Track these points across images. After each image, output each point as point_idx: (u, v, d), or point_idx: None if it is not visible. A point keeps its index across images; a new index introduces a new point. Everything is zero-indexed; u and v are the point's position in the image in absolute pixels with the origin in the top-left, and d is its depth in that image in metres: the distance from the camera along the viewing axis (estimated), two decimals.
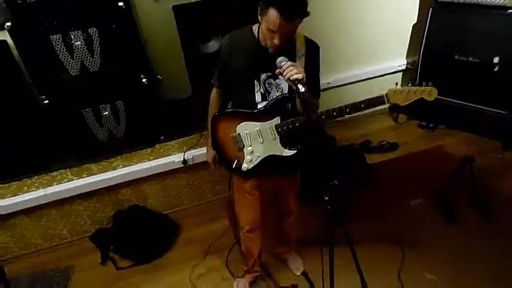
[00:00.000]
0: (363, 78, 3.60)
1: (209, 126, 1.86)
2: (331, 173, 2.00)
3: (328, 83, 3.44)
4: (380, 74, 3.65)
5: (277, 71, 1.52)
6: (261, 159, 1.78)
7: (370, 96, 1.59)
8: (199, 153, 2.69)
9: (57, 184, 2.55)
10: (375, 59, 3.59)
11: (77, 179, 2.58)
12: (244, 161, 1.79)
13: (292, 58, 1.59)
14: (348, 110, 1.62)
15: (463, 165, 2.55)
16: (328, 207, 1.61)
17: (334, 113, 1.63)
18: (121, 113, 2.46)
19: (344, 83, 3.54)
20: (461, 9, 2.94)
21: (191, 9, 2.68)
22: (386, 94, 1.58)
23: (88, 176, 2.60)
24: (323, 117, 1.63)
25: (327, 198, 1.58)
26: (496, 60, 2.89)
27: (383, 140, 3.41)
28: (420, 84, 1.60)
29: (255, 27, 1.67)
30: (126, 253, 2.64)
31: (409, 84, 1.56)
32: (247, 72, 1.69)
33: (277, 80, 1.70)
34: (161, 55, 2.85)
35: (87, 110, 2.40)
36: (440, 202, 2.66)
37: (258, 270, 2.31)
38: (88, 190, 2.61)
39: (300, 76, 1.44)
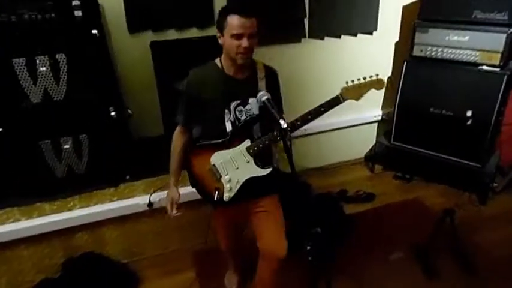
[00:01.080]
0: (340, 126, 3.59)
1: (172, 166, 1.91)
2: (310, 220, 1.90)
3: (305, 130, 3.38)
4: (357, 123, 3.66)
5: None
6: (240, 185, 1.78)
7: (327, 99, 1.68)
8: None
9: (1, 225, 2.23)
10: (351, 108, 3.59)
11: (26, 219, 2.27)
12: (225, 190, 1.79)
13: (254, 82, 1.74)
14: (310, 116, 1.68)
15: (444, 218, 2.47)
16: (310, 258, 1.47)
17: (298, 123, 1.67)
18: (84, 147, 2.25)
19: (322, 130, 3.50)
20: (435, 64, 3.03)
21: (169, 46, 2.64)
22: (340, 94, 1.66)
23: (39, 216, 2.30)
24: (289, 129, 1.57)
25: (309, 247, 1.44)
26: (469, 113, 2.94)
27: (359, 190, 3.33)
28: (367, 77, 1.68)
29: (217, 61, 1.76)
30: None
31: (359, 80, 1.65)
32: (218, 103, 1.74)
33: (247, 106, 1.77)
34: (134, 90, 2.73)
35: (46, 142, 2.17)
36: (421, 257, 2.53)
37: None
38: (37, 233, 2.30)
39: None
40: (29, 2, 1.90)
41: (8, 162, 2.16)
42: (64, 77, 2.07)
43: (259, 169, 1.76)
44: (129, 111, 2.46)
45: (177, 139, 1.87)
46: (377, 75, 1.69)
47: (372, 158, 3.73)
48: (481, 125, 2.92)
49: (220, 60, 1.75)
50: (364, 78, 1.67)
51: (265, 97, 1.59)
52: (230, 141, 1.77)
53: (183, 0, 2.66)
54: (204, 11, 2.75)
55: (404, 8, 3.36)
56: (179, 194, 1.91)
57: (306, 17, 3.04)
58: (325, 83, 3.37)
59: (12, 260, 2.35)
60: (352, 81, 1.66)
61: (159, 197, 2.47)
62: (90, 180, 2.34)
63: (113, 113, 2.23)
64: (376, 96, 3.66)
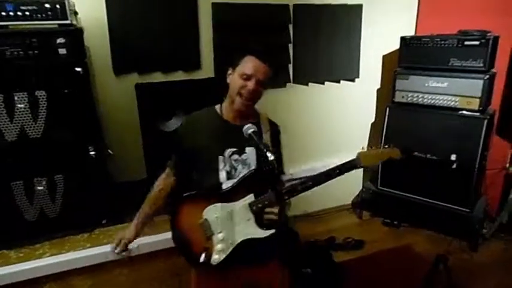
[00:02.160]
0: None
1: (143, 205, 1.77)
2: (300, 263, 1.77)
3: (291, 174, 3.34)
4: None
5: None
6: (234, 246, 1.53)
7: (343, 162, 1.56)
8: (147, 241, 2.32)
9: None
10: (337, 153, 3.59)
11: None
12: (215, 251, 1.53)
13: (258, 132, 1.56)
14: (323, 177, 1.56)
15: (438, 264, 2.37)
16: None
17: (310, 183, 1.54)
18: (59, 188, 2.13)
19: (306, 175, 3.44)
20: (416, 109, 3.10)
21: (154, 89, 2.62)
22: (358, 157, 1.57)
23: (3, 265, 2.09)
24: (299, 188, 1.52)
25: None
26: (453, 157, 2.96)
27: (348, 237, 3.21)
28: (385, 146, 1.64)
29: (217, 107, 1.67)
30: None
31: (373, 147, 1.61)
32: (212, 148, 1.59)
33: (243, 155, 1.61)
34: (117, 132, 2.67)
35: (18, 182, 2.05)
36: None
37: None
38: (0, 284, 2.08)
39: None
40: (13, 39, 1.88)
41: None
42: (43, 115, 2.00)
43: (259, 230, 1.53)
44: (109, 151, 2.37)
45: (160, 179, 1.74)
46: (393, 145, 1.62)
47: (359, 204, 3.66)
48: (465, 169, 2.93)
49: (221, 106, 1.66)
50: (382, 147, 1.61)
51: (252, 130, 1.49)
52: (230, 194, 1.55)
53: (169, 44, 2.71)
54: (191, 55, 2.80)
55: (384, 56, 3.50)
56: (134, 238, 1.73)
57: (290, 63, 3.12)
58: (310, 127, 3.40)
59: None
60: (370, 147, 1.60)
61: (137, 243, 2.29)
62: (63, 224, 2.18)
63: (92, 153, 2.14)
64: (360, 141, 3.71)
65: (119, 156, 2.60)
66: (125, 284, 2.40)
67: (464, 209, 3.00)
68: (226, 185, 1.58)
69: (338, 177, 3.70)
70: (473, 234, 3.02)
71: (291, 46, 3.10)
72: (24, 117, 1.97)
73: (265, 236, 1.52)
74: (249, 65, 1.51)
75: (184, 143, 1.64)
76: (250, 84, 1.50)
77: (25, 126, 1.99)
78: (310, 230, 3.31)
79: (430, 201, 3.15)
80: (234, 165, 1.60)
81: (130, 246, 1.78)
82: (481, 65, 2.78)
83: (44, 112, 2.00)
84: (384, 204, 3.43)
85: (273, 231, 1.53)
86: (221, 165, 1.59)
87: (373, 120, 3.64)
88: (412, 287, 2.48)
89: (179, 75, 2.81)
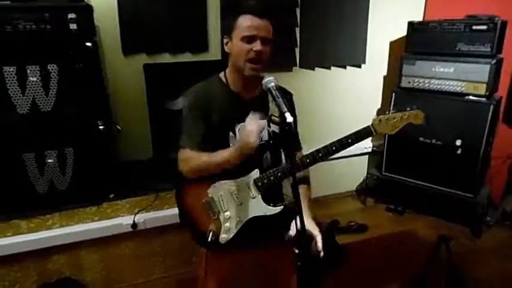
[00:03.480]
0: (332, 157, 3.57)
1: (218, 157, 1.42)
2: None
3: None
4: (348, 154, 3.63)
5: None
6: (242, 224, 1.50)
7: (356, 130, 1.42)
8: (152, 216, 2.39)
9: None
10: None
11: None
12: (222, 230, 1.50)
13: (265, 103, 1.48)
14: (334, 147, 1.43)
15: (440, 245, 2.38)
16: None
17: (320, 154, 1.43)
18: (69, 161, 2.18)
19: None
20: (422, 95, 3.10)
21: (161, 69, 2.67)
22: (372, 125, 1.41)
23: (14, 235, 2.17)
24: (308, 161, 1.43)
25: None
26: (458, 143, 2.97)
27: (351, 221, 3.24)
28: (404, 110, 1.44)
29: (221, 75, 1.54)
30: None
31: (391, 112, 1.42)
32: (222, 124, 1.49)
33: None
34: (125, 112, 2.72)
35: (30, 154, 2.11)
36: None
37: None
38: (10, 253, 2.15)
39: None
40: (25, 13, 1.93)
41: None
42: (54, 88, 2.05)
43: (267, 207, 1.48)
44: (117, 127, 2.43)
45: (197, 157, 1.46)
46: (416, 107, 1.45)
47: (363, 190, 3.68)
48: (470, 154, 2.93)
49: (225, 74, 1.54)
50: (401, 111, 1.43)
51: (272, 84, 1.31)
52: (234, 170, 1.45)
53: (178, 26, 2.74)
54: (198, 36, 2.83)
55: (392, 43, 3.50)
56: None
57: (297, 46, 3.14)
58: (316, 112, 3.41)
59: None
60: (386, 112, 1.43)
61: (143, 217, 2.37)
62: (72, 197, 2.24)
63: (101, 127, 2.19)
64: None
65: (127, 136, 2.65)
66: (130, 257, 2.47)
67: (468, 195, 3.01)
68: None
69: (343, 164, 3.68)
70: (477, 220, 3.02)
71: (297, 30, 3.12)
72: (36, 90, 2.03)
73: (274, 212, 1.48)
74: (247, 25, 1.38)
75: (198, 117, 1.48)
76: (256, 45, 1.38)
77: (36, 99, 2.04)
78: (315, 214, 3.32)
79: (434, 186, 3.16)
80: None
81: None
82: (488, 49, 2.77)
83: (55, 86, 2.05)
84: (388, 190, 3.45)
85: (281, 207, 1.49)
86: (231, 141, 1.50)
87: (379, 106, 3.64)
88: (414, 270, 2.49)
89: (187, 57, 2.84)
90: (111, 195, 2.34)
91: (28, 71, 1.99)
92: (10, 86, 1.98)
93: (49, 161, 2.15)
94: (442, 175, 3.11)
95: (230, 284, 1.63)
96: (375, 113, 3.68)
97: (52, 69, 2.03)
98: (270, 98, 1.42)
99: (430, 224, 3.21)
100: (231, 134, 1.50)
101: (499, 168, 3.38)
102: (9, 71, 1.96)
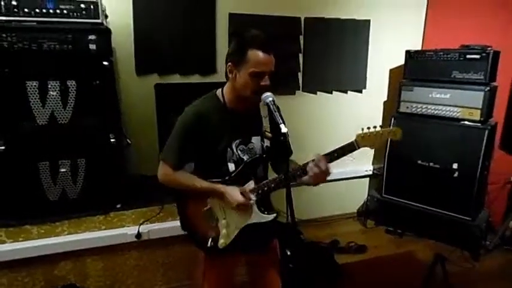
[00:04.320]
0: (333, 179, 3.65)
1: (198, 184, 1.60)
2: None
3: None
4: (349, 176, 3.74)
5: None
6: (238, 230, 1.63)
7: (342, 145, 1.52)
8: (157, 228, 2.48)
9: None
10: (344, 162, 3.71)
11: (11, 242, 2.25)
12: (221, 236, 1.63)
13: (258, 120, 1.64)
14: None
15: (435, 263, 2.43)
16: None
17: (306, 165, 1.51)
18: (80, 171, 2.31)
19: None
20: (420, 120, 3.22)
21: (172, 89, 2.84)
22: (355, 140, 1.50)
23: (25, 240, 2.27)
24: (298, 173, 1.52)
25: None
26: (455, 166, 3.05)
27: (351, 242, 3.29)
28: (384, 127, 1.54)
29: (218, 92, 1.63)
30: None
31: (374, 128, 1.51)
32: (221, 141, 1.59)
33: (250, 145, 1.66)
34: (135, 129, 2.86)
35: (45, 163, 2.24)
36: None
37: None
38: (20, 257, 2.25)
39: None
40: (51, 33, 2.12)
41: (5, 180, 2.20)
42: (72, 102, 2.21)
43: (261, 214, 1.61)
44: (128, 140, 2.57)
45: (173, 174, 1.62)
46: (394, 125, 1.58)
47: (364, 212, 3.74)
48: (467, 177, 3.01)
49: (222, 93, 1.62)
50: (381, 127, 1.51)
51: (270, 99, 1.47)
52: (232, 182, 1.60)
53: (188, 49, 2.94)
54: (207, 60, 3.02)
55: (391, 70, 3.67)
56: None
57: (300, 71, 3.31)
58: (317, 134, 3.54)
59: None
60: (368, 128, 1.50)
61: (148, 228, 2.46)
62: (82, 206, 2.35)
63: (112, 140, 2.33)
64: (367, 152, 3.82)
65: (136, 150, 2.79)
66: (134, 267, 2.54)
67: (465, 218, 3.06)
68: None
69: (345, 186, 3.76)
70: (475, 243, 3.06)
71: (301, 56, 3.30)
72: (55, 103, 2.19)
73: (267, 220, 1.61)
74: (257, 62, 1.45)
75: (188, 136, 1.58)
76: (265, 81, 1.48)
77: (55, 112, 2.20)
78: (315, 234, 3.40)
79: (433, 209, 3.22)
80: (241, 156, 1.63)
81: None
82: (482, 77, 2.91)
83: (72, 100, 2.21)
84: (388, 212, 3.51)
85: (274, 215, 1.62)
86: (229, 156, 1.61)
87: None
88: (411, 287, 2.53)
89: (195, 78, 3.02)
90: (118, 205, 2.45)
91: (49, 86, 2.16)
92: (32, 99, 2.15)
93: (62, 170, 2.29)
94: (440, 198, 3.17)
95: (223, 281, 1.77)
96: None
97: (71, 85, 2.20)
98: (263, 114, 1.62)
99: (429, 247, 3.24)
100: (228, 150, 1.61)
101: (498, 193, 3.45)
102: (31, 85, 2.14)
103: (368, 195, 3.70)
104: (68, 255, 2.37)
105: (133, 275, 2.55)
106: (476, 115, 2.96)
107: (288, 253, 1.47)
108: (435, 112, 3.15)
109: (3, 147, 2.16)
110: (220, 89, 1.64)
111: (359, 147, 1.51)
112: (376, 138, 1.50)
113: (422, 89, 3.20)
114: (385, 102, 3.74)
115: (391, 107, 3.55)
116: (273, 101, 1.47)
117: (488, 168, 3.12)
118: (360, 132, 1.50)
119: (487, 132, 2.92)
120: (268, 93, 1.48)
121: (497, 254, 3.18)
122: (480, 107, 2.93)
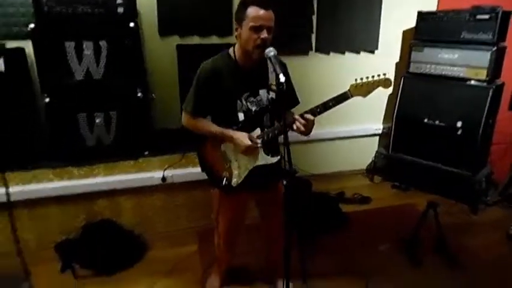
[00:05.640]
0: (344, 136, 3.89)
1: (213, 129, 1.87)
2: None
3: (309, 136, 3.70)
4: (359, 134, 3.94)
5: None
6: (248, 171, 1.90)
7: (336, 95, 1.74)
8: (179, 173, 2.83)
9: (37, 183, 2.61)
10: (355, 120, 3.90)
11: (57, 180, 2.65)
12: (233, 176, 1.91)
13: (265, 75, 1.83)
14: (318, 110, 1.75)
15: (428, 210, 2.67)
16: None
17: (305, 113, 1.74)
18: (113, 122, 2.65)
19: (325, 138, 3.80)
20: (429, 80, 3.35)
21: (192, 50, 3.07)
22: (349, 90, 1.70)
23: (68, 179, 2.67)
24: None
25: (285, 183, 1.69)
26: (459, 124, 3.20)
27: (357, 193, 3.55)
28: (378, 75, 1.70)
29: (231, 51, 1.85)
30: (88, 264, 2.58)
31: (367, 78, 1.67)
32: (231, 94, 1.82)
33: (258, 97, 1.87)
34: (159, 85, 3.15)
35: (82, 114, 2.59)
36: (407, 248, 2.71)
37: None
38: (65, 193, 2.66)
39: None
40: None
41: (50, 128, 2.57)
42: (103, 60, 2.52)
43: (267, 157, 1.86)
44: (153, 95, 2.87)
45: (193, 120, 1.90)
46: (384, 74, 1.69)
47: (372, 169, 3.96)
48: (470, 134, 3.16)
49: (234, 51, 1.83)
50: (373, 77, 1.67)
51: (272, 53, 1.64)
52: (241, 130, 1.83)
53: (207, 12, 3.14)
54: (224, 22, 3.21)
55: (404, 32, 3.74)
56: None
57: (313, 32, 3.46)
58: (329, 94, 3.71)
59: (41, 218, 2.70)
60: (361, 78, 1.67)
61: (171, 173, 2.81)
62: (115, 152, 2.71)
63: (139, 94, 2.64)
64: (377, 111, 3.99)
65: (159, 106, 3.09)
66: (160, 207, 2.93)
67: (467, 173, 3.24)
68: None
69: (355, 143, 3.95)
70: (474, 197, 3.25)
71: (314, 18, 3.44)
72: (90, 61, 2.50)
73: (272, 162, 1.88)
74: (254, 16, 1.63)
75: (203, 89, 1.80)
76: (263, 34, 1.65)
77: (90, 69, 2.51)
78: (324, 186, 3.66)
79: (437, 165, 3.40)
80: (249, 107, 1.86)
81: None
82: (490, 37, 2.98)
83: (104, 58, 2.51)
84: (394, 168, 3.72)
85: (278, 158, 1.90)
86: (239, 107, 1.84)
87: (390, 92, 3.89)
88: (408, 234, 2.77)
89: (213, 39, 3.24)
90: (146, 153, 2.79)
91: (84, 46, 2.46)
92: (70, 57, 2.46)
93: (97, 120, 2.63)
94: (444, 155, 3.35)
95: (235, 212, 2.09)
96: (387, 96, 3.95)
97: (102, 45, 2.49)
98: (270, 69, 1.81)
99: (435, 201, 3.45)
100: (238, 102, 1.84)
101: (505, 153, 3.58)
102: (69, 45, 2.45)
103: (376, 152, 3.91)
104: (104, 194, 2.77)
105: (159, 213, 2.94)
106: (482, 75, 3.06)
107: (284, 183, 1.71)
108: (443, 72, 3.27)
109: (47, 99, 2.51)
110: (232, 48, 1.85)
111: (352, 97, 1.71)
112: (368, 87, 1.69)
113: (432, 49, 3.30)
114: (397, 64, 3.85)
115: (403, 69, 3.66)
116: (274, 55, 1.64)
117: (493, 127, 3.25)
118: (354, 82, 1.69)
119: (491, 91, 3.03)
120: (271, 48, 1.66)
121: (496, 209, 3.37)
122: (486, 66, 3.02)
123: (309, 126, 1.74)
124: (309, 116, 1.73)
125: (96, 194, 2.75)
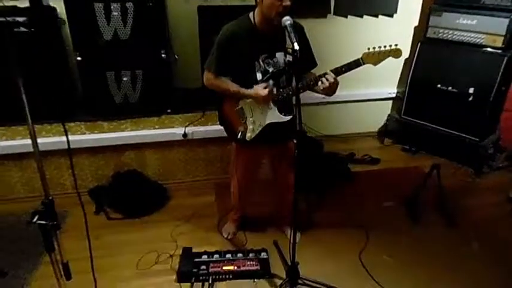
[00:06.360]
0: (357, 99, 3.99)
1: (232, 87, 2.01)
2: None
3: (323, 97, 3.82)
4: (373, 98, 4.03)
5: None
6: (262, 127, 2.07)
7: (349, 61, 1.86)
8: (199, 130, 3.04)
9: (71, 135, 2.88)
10: (370, 84, 3.98)
11: (89, 133, 2.91)
12: (248, 130, 2.10)
13: (282, 38, 1.90)
14: (344, 69, 1.86)
15: (431, 172, 2.83)
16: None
17: (320, 77, 1.87)
18: (138, 80, 2.85)
19: (339, 100, 3.91)
20: (445, 45, 3.36)
21: (213, 11, 3.15)
22: (361, 58, 1.83)
23: (99, 132, 2.93)
24: (311, 83, 1.90)
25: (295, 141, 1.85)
26: (471, 90, 3.26)
27: (367, 154, 3.72)
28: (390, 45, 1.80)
29: (251, 15, 1.96)
30: (118, 208, 2.90)
31: (379, 47, 1.79)
32: (250, 54, 1.96)
33: (275, 59, 2.00)
34: (181, 46, 3.28)
35: (111, 73, 2.80)
36: (409, 205, 2.91)
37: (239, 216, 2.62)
38: (96, 145, 2.93)
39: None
40: None
41: (82, 85, 2.79)
42: (130, 22, 2.67)
43: (281, 116, 2.02)
44: (175, 56, 3.04)
45: (215, 80, 2.04)
46: (396, 45, 1.80)
47: (383, 132, 4.09)
48: (480, 101, 3.22)
49: (254, 15, 1.93)
50: (385, 47, 1.78)
51: (288, 22, 1.73)
52: None
53: None
54: None
55: None
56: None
57: None
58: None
59: (76, 166, 2.99)
60: (374, 48, 1.79)
61: (192, 130, 3.03)
62: (140, 108, 2.94)
63: (163, 55, 2.81)
64: (392, 75, 4.05)
65: (181, 68, 3.24)
66: (181, 160, 3.18)
67: (474, 138, 3.34)
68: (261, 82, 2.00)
69: (368, 107, 4.05)
70: (479, 161, 3.37)
71: None
72: (117, 22, 2.66)
73: (285, 120, 2.03)
74: None
75: (224, 50, 1.93)
76: (286, 2, 1.75)
77: (117, 30, 2.68)
78: (335, 147, 3.83)
79: (446, 130, 3.50)
80: (266, 68, 1.99)
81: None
82: (509, 3, 2.96)
83: (131, 20, 2.67)
84: (405, 132, 3.84)
85: (290, 116, 2.05)
86: (257, 67, 1.98)
87: (407, 56, 3.93)
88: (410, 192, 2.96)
89: (236, 1, 3.29)
90: (169, 110, 3.01)
91: (112, 7, 2.62)
92: (99, 18, 2.63)
93: (124, 79, 2.84)
94: (454, 120, 3.43)
95: (249, 163, 2.35)
96: (402, 61, 3.98)
97: (129, 7, 2.64)
98: (287, 34, 1.90)
99: (439, 163, 3.60)
100: (256, 63, 1.98)
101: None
102: (98, 7, 2.60)
103: (388, 115, 4.02)
104: (130, 147, 3.03)
105: (180, 165, 3.20)
106: (499, 42, 3.06)
107: (294, 141, 1.88)
108: (460, 38, 3.27)
109: (79, 58, 2.71)
110: (252, 12, 1.96)
111: (364, 64, 1.83)
112: (380, 56, 1.81)
113: (450, 14, 3.28)
114: (415, 28, 3.84)
115: (421, 33, 3.66)
116: (290, 24, 1.74)
117: (505, 95, 3.30)
118: (367, 50, 1.82)
119: (506, 59, 3.04)
120: (287, 17, 1.76)
121: (501, 173, 3.48)
122: (504, 33, 3.02)
123: (334, 86, 1.87)
124: (331, 77, 1.85)
125: (124, 147, 3.01)
